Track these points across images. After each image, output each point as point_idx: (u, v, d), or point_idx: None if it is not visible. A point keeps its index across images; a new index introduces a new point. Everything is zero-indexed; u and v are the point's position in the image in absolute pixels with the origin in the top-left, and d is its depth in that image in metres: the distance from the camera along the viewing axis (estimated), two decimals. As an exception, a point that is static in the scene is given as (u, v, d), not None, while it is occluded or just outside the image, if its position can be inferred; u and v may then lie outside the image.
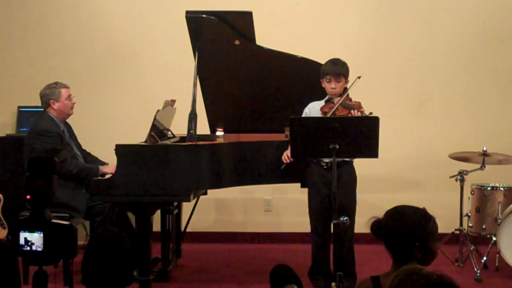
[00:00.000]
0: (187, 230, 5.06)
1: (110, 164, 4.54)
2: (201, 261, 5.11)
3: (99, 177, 4.25)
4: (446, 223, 5.21)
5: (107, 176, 4.15)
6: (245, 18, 4.30)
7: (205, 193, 4.96)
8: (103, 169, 4.39)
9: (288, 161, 4.09)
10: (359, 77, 3.95)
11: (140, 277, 3.99)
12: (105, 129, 5.59)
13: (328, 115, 3.99)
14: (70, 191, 4.26)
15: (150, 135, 4.08)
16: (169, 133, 4.61)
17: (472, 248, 4.77)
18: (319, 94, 4.21)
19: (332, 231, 3.93)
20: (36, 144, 4.26)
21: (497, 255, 4.64)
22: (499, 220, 4.56)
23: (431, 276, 1.60)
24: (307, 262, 4.27)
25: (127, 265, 2.36)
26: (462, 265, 4.81)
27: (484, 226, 4.77)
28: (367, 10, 5.70)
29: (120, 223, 4.38)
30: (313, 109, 4.18)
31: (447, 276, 1.61)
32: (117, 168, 3.98)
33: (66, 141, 4.42)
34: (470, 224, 4.87)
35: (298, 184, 4.48)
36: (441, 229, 5.49)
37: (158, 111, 4.20)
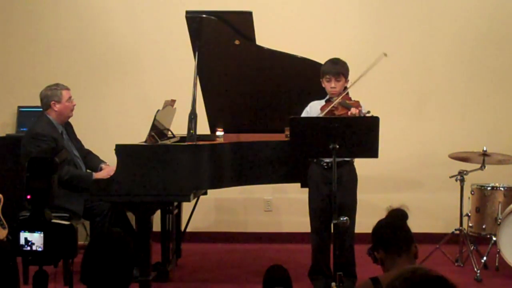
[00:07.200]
0: (187, 230, 5.06)
1: (109, 163, 4.54)
2: (201, 261, 5.11)
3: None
4: (446, 223, 5.25)
5: None
6: (245, 18, 4.30)
7: (205, 193, 4.96)
8: (97, 175, 4.32)
9: None
10: (385, 54, 3.91)
11: (140, 277, 3.99)
12: (105, 129, 5.59)
13: (323, 113, 3.99)
14: (65, 194, 4.22)
15: (150, 135, 4.08)
16: (169, 133, 4.62)
17: (472, 248, 4.77)
18: (319, 94, 4.21)
19: (332, 231, 3.93)
20: (31, 147, 4.26)
21: (497, 255, 4.64)
22: (499, 220, 4.56)
23: (430, 273, 1.62)
24: (307, 262, 4.27)
25: (129, 266, 2.36)
26: (462, 265, 4.82)
27: (484, 226, 4.78)
28: (367, 10, 5.70)
29: (120, 223, 4.37)
30: (314, 108, 4.18)
31: (444, 276, 1.63)
32: (117, 168, 3.98)
33: (62, 145, 4.39)
34: (470, 224, 4.87)
35: (298, 184, 4.48)
36: (441, 229, 5.56)
37: (158, 111, 4.20)
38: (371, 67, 3.91)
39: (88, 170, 4.56)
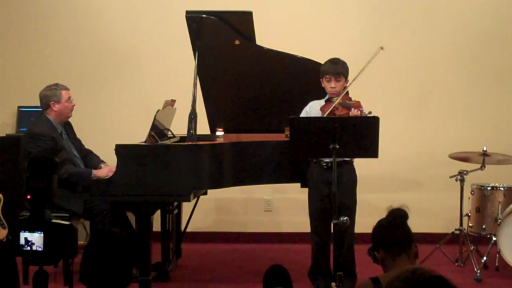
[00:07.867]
0: (187, 230, 5.06)
1: (109, 163, 4.54)
2: (201, 261, 5.11)
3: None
4: (446, 223, 5.25)
5: None
6: (245, 18, 4.30)
7: (205, 193, 4.96)
8: (97, 173, 4.31)
9: None
10: (382, 48, 3.94)
11: (140, 277, 3.99)
12: (105, 129, 5.59)
13: (325, 114, 3.99)
14: (65, 194, 4.21)
15: (150, 135, 4.08)
16: (169, 133, 4.62)
17: (472, 248, 4.77)
18: (319, 94, 4.21)
19: (332, 231, 3.93)
20: (30, 147, 4.25)
21: (497, 255, 4.64)
22: (499, 220, 4.56)
23: (430, 273, 1.62)
24: (307, 262, 4.27)
25: (129, 265, 2.35)
26: (462, 265, 4.81)
27: (484, 226, 4.77)
28: (367, 10, 5.70)
29: (120, 223, 4.37)
30: (313, 108, 4.18)
31: (444, 276, 1.63)
32: (117, 168, 3.98)
33: (62, 145, 4.37)
34: (470, 224, 4.87)
35: (298, 184, 4.48)
36: (441, 229, 5.57)
37: (158, 111, 4.20)
38: (369, 62, 3.93)
39: None
